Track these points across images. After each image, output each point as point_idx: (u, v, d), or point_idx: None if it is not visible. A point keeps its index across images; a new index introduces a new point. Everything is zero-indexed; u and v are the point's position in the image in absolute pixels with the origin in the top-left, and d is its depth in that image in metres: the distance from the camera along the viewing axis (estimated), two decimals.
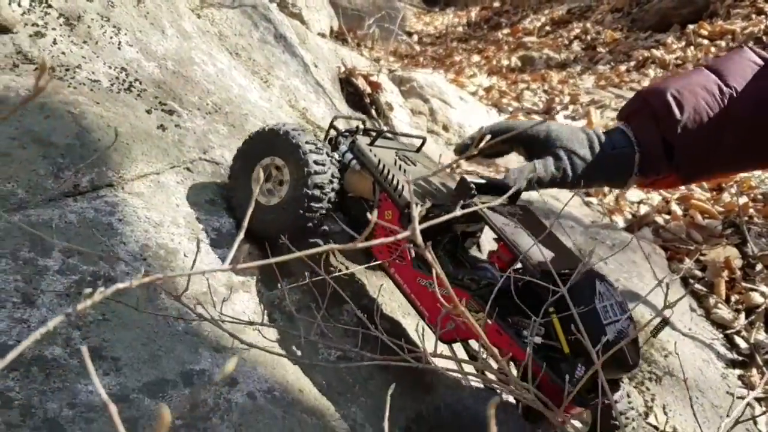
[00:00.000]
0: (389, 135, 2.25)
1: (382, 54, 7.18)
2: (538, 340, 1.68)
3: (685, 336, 3.33)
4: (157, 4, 2.70)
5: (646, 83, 6.74)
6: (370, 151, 1.99)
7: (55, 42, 2.17)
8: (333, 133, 2.20)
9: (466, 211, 1.16)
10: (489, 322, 1.71)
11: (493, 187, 1.91)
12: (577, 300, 1.56)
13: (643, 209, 4.46)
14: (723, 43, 7.29)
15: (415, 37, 11.02)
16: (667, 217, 4.30)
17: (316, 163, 1.90)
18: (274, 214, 1.95)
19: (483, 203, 1.74)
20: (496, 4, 11.98)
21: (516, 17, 11.01)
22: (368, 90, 4.16)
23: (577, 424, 1.95)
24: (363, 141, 2.04)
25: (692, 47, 7.36)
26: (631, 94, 6.91)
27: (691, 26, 7.76)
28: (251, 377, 1.66)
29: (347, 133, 2.17)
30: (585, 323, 1.48)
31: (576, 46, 8.62)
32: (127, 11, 2.50)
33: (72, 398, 1.37)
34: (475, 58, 9.00)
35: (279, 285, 1.99)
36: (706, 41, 7.46)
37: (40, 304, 1.51)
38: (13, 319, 1.46)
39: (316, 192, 1.88)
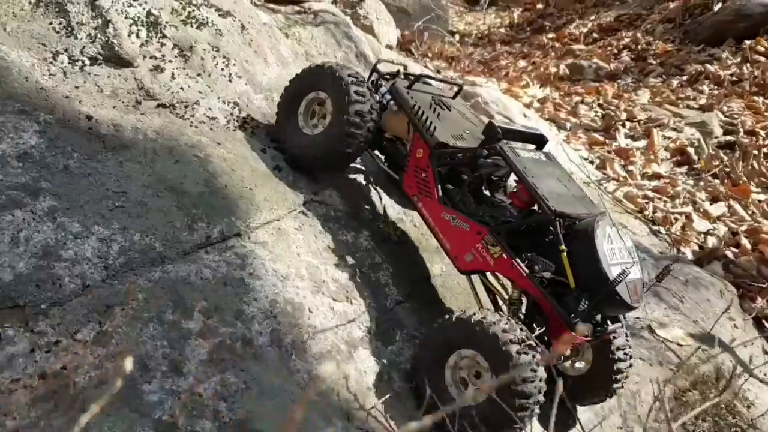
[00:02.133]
0: (428, 81, 2.36)
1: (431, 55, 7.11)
2: (547, 275, 1.86)
3: (763, 383, 3.27)
4: (258, 29, 2.66)
5: (702, 101, 6.61)
6: (407, 93, 2.14)
7: (173, 76, 2.14)
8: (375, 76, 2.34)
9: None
10: (504, 256, 1.87)
11: (523, 135, 2.11)
12: (586, 240, 1.79)
13: (711, 241, 4.38)
14: None
15: (457, 37, 10.91)
16: (736, 250, 4.22)
17: (356, 93, 2.03)
18: (317, 141, 2.10)
19: (507, 145, 1.95)
20: (540, 6, 11.82)
21: (560, 21, 10.85)
22: None
23: (579, 365, 2.05)
24: (401, 84, 2.18)
25: (748, 64, 7.20)
26: (687, 112, 6.72)
27: (747, 42, 7.59)
28: None
29: (388, 76, 2.31)
30: (590, 261, 1.77)
31: (625, 56, 8.47)
32: (233, 39, 2.46)
33: None
34: (522, 63, 8.88)
35: (395, 339, 1.98)
36: (763, 58, 7.30)
37: (187, 373, 1.49)
38: (164, 390, 1.44)
39: (357, 119, 2.02)
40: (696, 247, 4.47)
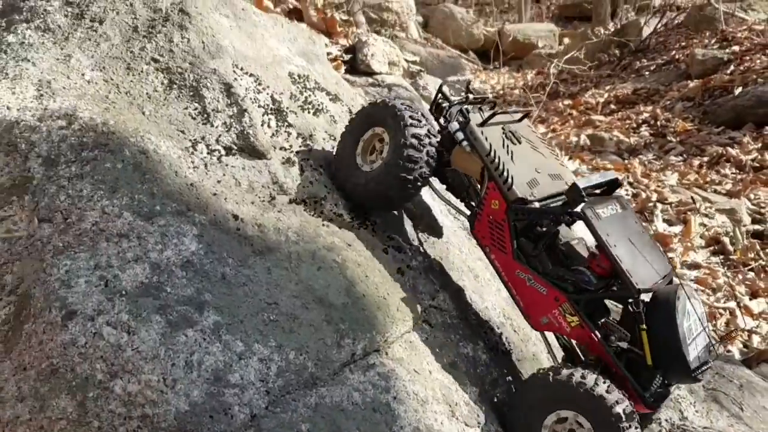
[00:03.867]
0: (498, 111, 2.19)
1: None
2: (624, 344, 1.83)
3: None
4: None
5: (728, 186, 6.67)
6: (482, 134, 2.02)
7: (302, 170, 2.08)
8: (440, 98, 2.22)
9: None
10: (582, 326, 1.82)
11: (601, 186, 2.03)
12: (666, 319, 1.74)
13: (756, 340, 4.36)
14: None
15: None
16: None
17: (414, 137, 1.98)
18: (371, 178, 2.03)
19: (590, 208, 1.84)
20: (553, 71, 12.01)
21: (575, 88, 11.02)
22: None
23: None
24: (475, 120, 2.05)
25: None
26: (715, 197, 6.78)
27: None
28: None
29: (456, 103, 2.20)
30: (670, 342, 1.73)
31: (645, 131, 8.59)
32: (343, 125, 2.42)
33: None
34: (541, 128, 8.98)
35: None
36: None
37: None
38: None
39: (409, 165, 1.96)
40: (741, 346, 4.44)
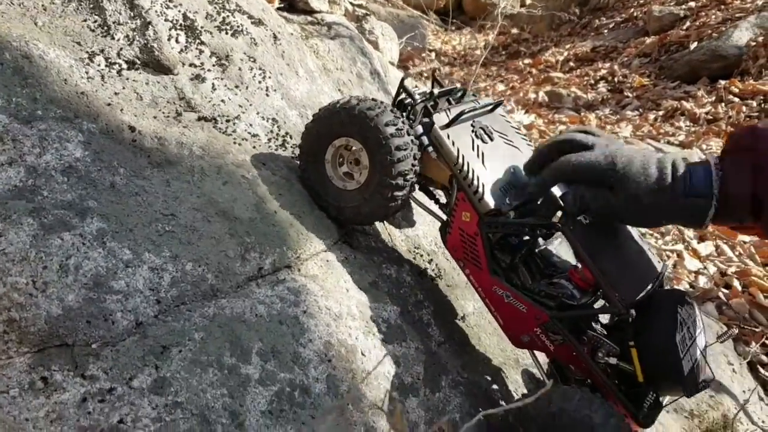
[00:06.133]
0: (466, 110, 1.90)
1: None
2: (613, 360, 1.64)
3: (764, 430, 3.26)
4: (288, 40, 2.51)
5: (681, 137, 6.70)
6: (448, 137, 1.78)
7: (213, 87, 1.97)
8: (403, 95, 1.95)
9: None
10: (565, 344, 1.66)
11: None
12: (658, 332, 1.54)
13: (702, 280, 4.39)
14: (754, 103, 7.31)
15: (433, 55, 10.89)
16: (727, 291, 4.24)
17: (398, 149, 1.72)
18: (354, 200, 1.83)
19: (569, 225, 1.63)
20: (515, 31, 11.91)
21: (536, 47, 10.95)
22: None
23: None
24: (440, 121, 1.81)
25: (723, 104, 7.37)
26: (668, 148, 6.82)
27: (722, 82, 7.77)
28: None
29: (419, 98, 1.90)
30: (663, 356, 1.51)
31: (602, 87, 8.58)
32: (267, 50, 2.31)
33: None
34: (500, 86, 8.90)
35: (441, 386, 1.85)
36: (737, 99, 7.48)
37: (248, 426, 1.33)
38: None
39: (400, 181, 1.75)
40: (688, 287, 4.48)
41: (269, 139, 2.01)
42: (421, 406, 1.74)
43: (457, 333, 2.09)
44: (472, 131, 1.86)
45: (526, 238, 1.83)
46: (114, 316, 1.30)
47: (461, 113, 1.84)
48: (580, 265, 1.70)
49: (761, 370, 3.74)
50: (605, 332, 1.74)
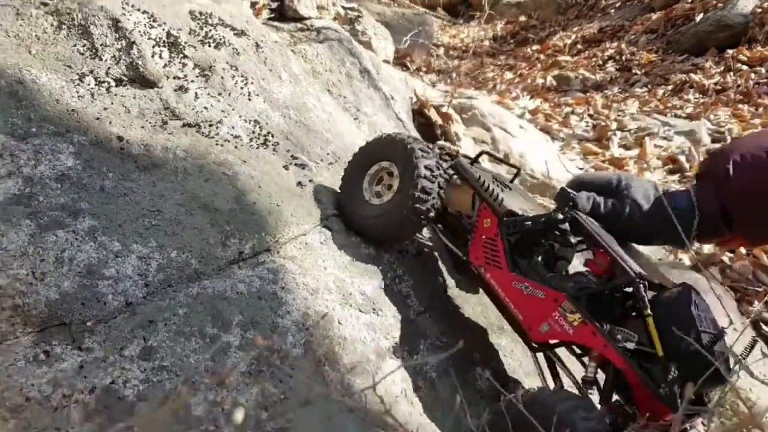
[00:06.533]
0: (488, 159, 2.37)
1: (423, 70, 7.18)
2: (630, 345, 1.72)
3: (764, 383, 3.33)
4: (270, 48, 2.71)
5: (689, 110, 6.72)
6: (471, 167, 2.11)
7: (196, 96, 2.18)
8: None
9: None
10: (585, 323, 1.75)
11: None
12: (674, 306, 1.68)
13: (706, 247, 4.46)
14: (763, 70, 7.28)
15: (442, 50, 11.02)
16: (732, 255, 4.31)
17: (426, 168, 2.02)
18: (380, 214, 2.09)
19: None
20: (522, 19, 11.98)
21: (544, 33, 11.01)
22: (440, 121, 4.17)
23: None
24: (464, 159, 2.16)
25: (731, 73, 7.35)
26: (675, 121, 6.82)
27: (729, 51, 7.74)
28: None
29: (447, 156, 2.30)
30: (682, 327, 1.58)
31: (611, 67, 8.61)
32: (249, 58, 2.51)
33: None
34: (508, 75, 9.00)
35: (419, 351, 2.02)
36: (745, 67, 7.45)
37: (229, 384, 1.52)
38: (208, 402, 1.47)
39: (423, 195, 2.00)
40: (692, 253, 4.54)
41: (251, 139, 2.20)
42: (400, 368, 1.91)
43: (438, 303, 2.25)
44: (494, 177, 2.20)
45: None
46: (106, 298, 1.51)
47: (481, 153, 2.25)
48: (593, 256, 1.90)
49: (764, 327, 3.82)
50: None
